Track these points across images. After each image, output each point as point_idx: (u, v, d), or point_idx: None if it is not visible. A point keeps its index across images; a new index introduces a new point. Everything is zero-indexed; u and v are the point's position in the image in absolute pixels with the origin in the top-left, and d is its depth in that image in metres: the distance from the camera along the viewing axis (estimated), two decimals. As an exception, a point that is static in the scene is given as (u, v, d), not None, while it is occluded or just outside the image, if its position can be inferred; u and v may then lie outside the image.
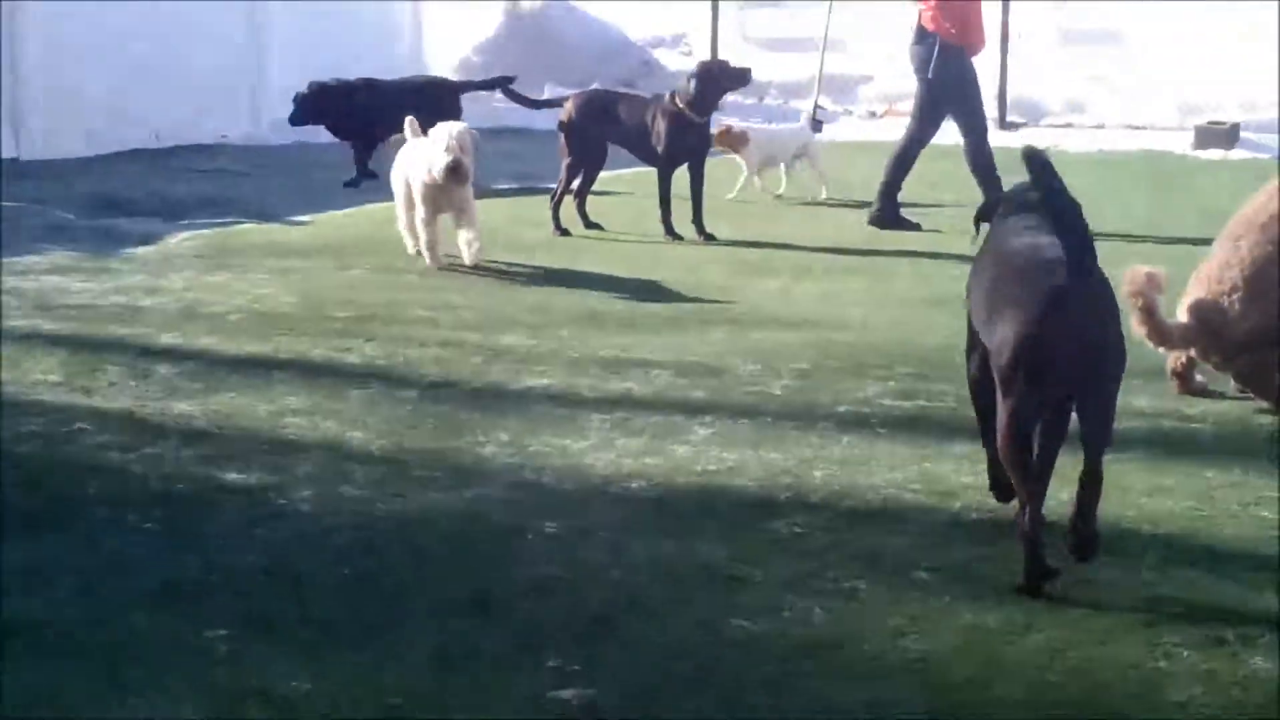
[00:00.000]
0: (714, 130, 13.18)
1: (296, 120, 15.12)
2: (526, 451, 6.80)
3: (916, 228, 13.03)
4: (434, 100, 14.65)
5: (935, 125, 13.43)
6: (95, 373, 7.92)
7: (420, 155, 10.91)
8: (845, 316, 9.42)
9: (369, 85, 15.25)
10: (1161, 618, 5.12)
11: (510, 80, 14.89)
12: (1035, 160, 5.67)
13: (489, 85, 15.46)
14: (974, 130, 13.26)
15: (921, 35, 13.18)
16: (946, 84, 13.05)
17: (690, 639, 4.93)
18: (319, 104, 15.01)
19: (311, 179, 15.31)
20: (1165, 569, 5.56)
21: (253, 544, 5.69)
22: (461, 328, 9.01)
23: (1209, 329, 7.66)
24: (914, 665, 4.78)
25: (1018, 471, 5.33)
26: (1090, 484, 5.37)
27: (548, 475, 6.49)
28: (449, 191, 10.75)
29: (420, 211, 10.94)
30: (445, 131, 10.76)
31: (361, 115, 14.99)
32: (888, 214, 13.24)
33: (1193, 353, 7.78)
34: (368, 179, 14.86)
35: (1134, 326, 7.33)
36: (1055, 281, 5.21)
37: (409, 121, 11.37)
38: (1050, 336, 5.14)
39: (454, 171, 10.67)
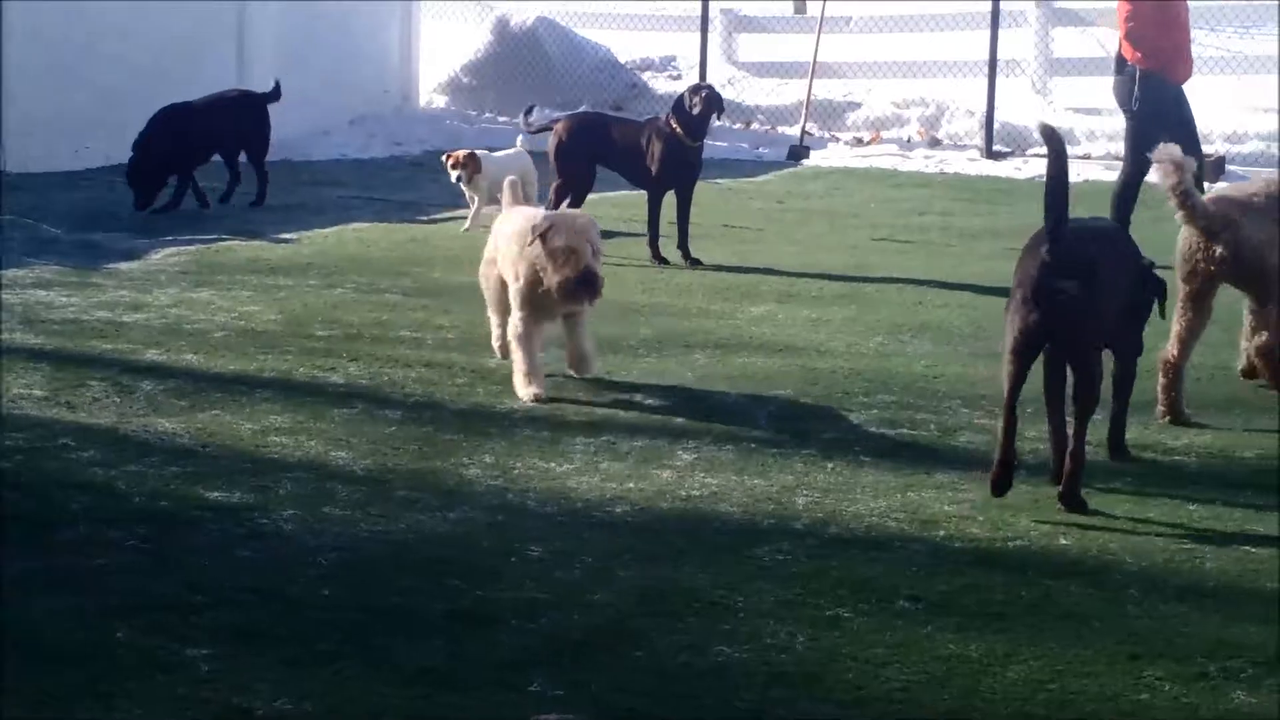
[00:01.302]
0: (446, 156, 13.75)
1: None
2: (510, 474, 6.80)
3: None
4: (246, 117, 14.41)
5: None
6: (79, 388, 7.90)
7: (516, 234, 8.24)
8: (831, 343, 9.43)
9: (171, 112, 14.09)
10: (1144, 651, 5.13)
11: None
12: (1050, 139, 6.78)
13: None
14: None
15: (1120, 65, 12.82)
16: (1150, 115, 12.34)
17: (672, 665, 4.93)
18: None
19: (296, 195, 15.30)
20: (1148, 602, 5.57)
21: (236, 563, 5.68)
22: (446, 348, 9.01)
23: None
24: (895, 695, 4.79)
25: (1006, 395, 6.58)
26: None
27: (531, 498, 6.49)
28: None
29: (516, 321, 8.19)
30: (563, 225, 7.98)
31: (172, 142, 13.88)
32: None
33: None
34: (201, 206, 14.17)
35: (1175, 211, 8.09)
36: (1041, 256, 6.52)
37: (509, 184, 9.18)
38: (1033, 296, 6.51)
39: (585, 288, 8.01)
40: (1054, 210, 6.59)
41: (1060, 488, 6.61)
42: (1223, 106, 19.71)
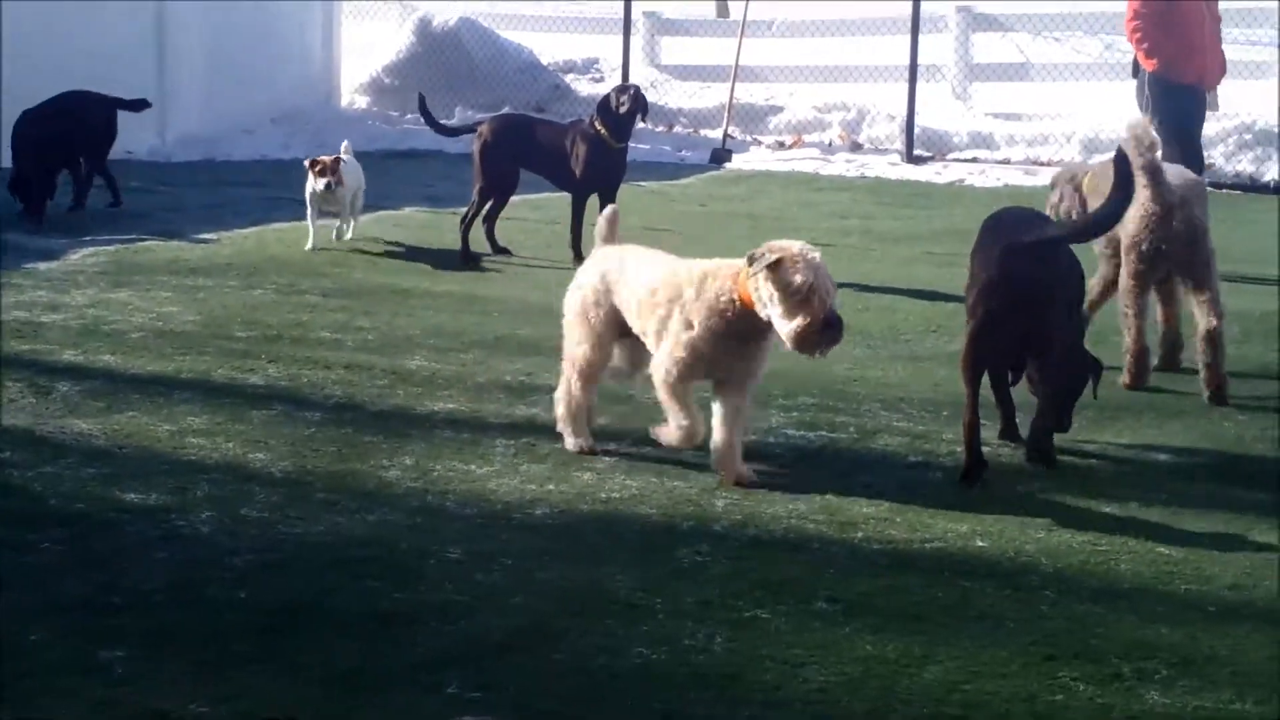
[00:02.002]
0: (311, 163, 12.33)
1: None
2: (430, 476, 6.78)
3: None
4: (89, 122, 13.89)
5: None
6: (-5, 389, 7.85)
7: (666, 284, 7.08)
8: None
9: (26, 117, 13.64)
10: (1059, 652, 5.17)
11: (146, 104, 14.49)
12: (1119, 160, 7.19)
13: (133, 105, 14.36)
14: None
15: (1135, 69, 12.86)
16: (1168, 118, 12.36)
17: (591, 666, 4.94)
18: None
19: (217, 195, 15.22)
20: (1063, 603, 5.61)
21: (153, 564, 5.65)
22: (365, 350, 8.98)
23: None
24: (813, 695, 4.81)
25: (968, 378, 7.10)
26: (1042, 410, 7.23)
27: (451, 500, 6.49)
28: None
29: (671, 368, 6.97)
30: (801, 259, 6.61)
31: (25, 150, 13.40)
32: None
33: None
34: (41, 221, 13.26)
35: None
36: (1008, 243, 6.99)
37: (605, 218, 7.80)
38: (1001, 281, 6.94)
39: (830, 334, 6.68)
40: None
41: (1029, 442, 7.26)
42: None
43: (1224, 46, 13.51)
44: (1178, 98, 12.65)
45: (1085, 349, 7.67)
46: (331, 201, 12.26)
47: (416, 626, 5.19)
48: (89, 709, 4.51)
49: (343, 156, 12.57)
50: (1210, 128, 19.91)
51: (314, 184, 12.12)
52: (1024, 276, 6.96)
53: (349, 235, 12.63)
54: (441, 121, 13.96)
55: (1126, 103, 20.43)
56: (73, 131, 13.65)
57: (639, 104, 12.15)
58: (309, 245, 12.23)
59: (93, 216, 13.52)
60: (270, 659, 4.89)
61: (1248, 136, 18.90)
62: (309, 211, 12.33)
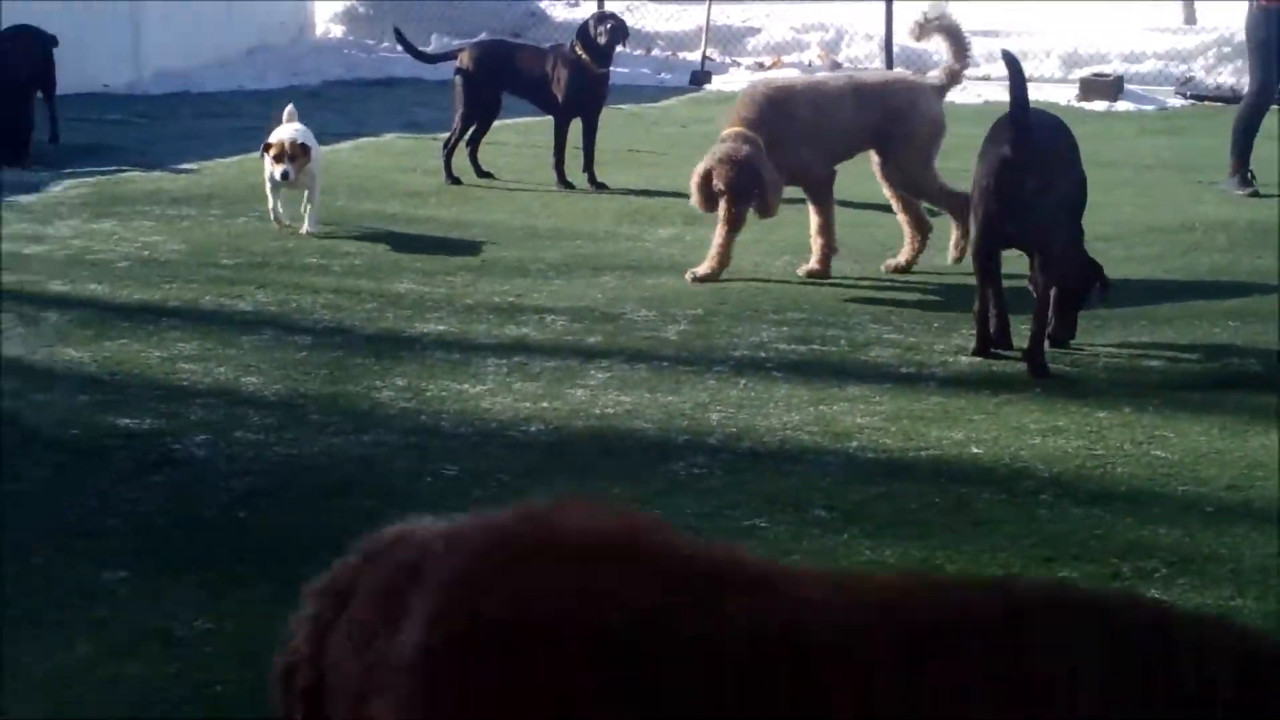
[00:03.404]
0: (267, 147, 10.18)
1: None
2: (423, 396, 6.77)
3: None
4: (41, 53, 13.52)
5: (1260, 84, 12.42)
6: (-18, 320, 7.82)
7: None
8: (738, 263, 9.42)
9: None
10: (1057, 554, 5.19)
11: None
12: (1009, 62, 7.50)
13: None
14: (1256, 91, 12.35)
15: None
16: (1257, 45, 12.25)
17: (592, 578, 4.94)
18: None
19: (195, 127, 15.14)
20: (1060, 506, 5.63)
21: (149, 488, 5.64)
22: (353, 275, 8.95)
23: None
24: (815, 601, 4.81)
25: (978, 273, 7.50)
26: (1038, 316, 7.30)
27: (445, 419, 6.48)
28: None
29: None
30: None
31: None
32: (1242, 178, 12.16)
33: None
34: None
35: None
36: (1003, 152, 7.22)
37: None
38: (996, 192, 7.22)
39: None
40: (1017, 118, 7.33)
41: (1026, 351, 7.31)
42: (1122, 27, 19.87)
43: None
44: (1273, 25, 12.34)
45: (1088, 256, 7.69)
46: (293, 188, 10.33)
47: (416, 543, 5.18)
48: (92, 629, 4.51)
49: (294, 132, 10.43)
50: (1189, 40, 19.94)
51: (272, 170, 10.13)
52: (1021, 180, 7.14)
53: (310, 226, 10.24)
54: (420, 49, 13.91)
55: (1103, 19, 20.39)
56: (35, 63, 13.49)
57: (618, 35, 12.20)
58: (275, 224, 10.27)
59: (70, 150, 13.43)
60: (269, 579, 4.88)
61: (1227, 49, 18.87)
62: (269, 192, 10.30)
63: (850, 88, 9.53)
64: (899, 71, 9.90)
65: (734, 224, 8.91)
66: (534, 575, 2.40)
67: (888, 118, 9.37)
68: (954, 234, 9.33)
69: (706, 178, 8.91)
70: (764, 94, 9.27)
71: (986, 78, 19.13)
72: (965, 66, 9.92)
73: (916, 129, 9.44)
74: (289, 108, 10.92)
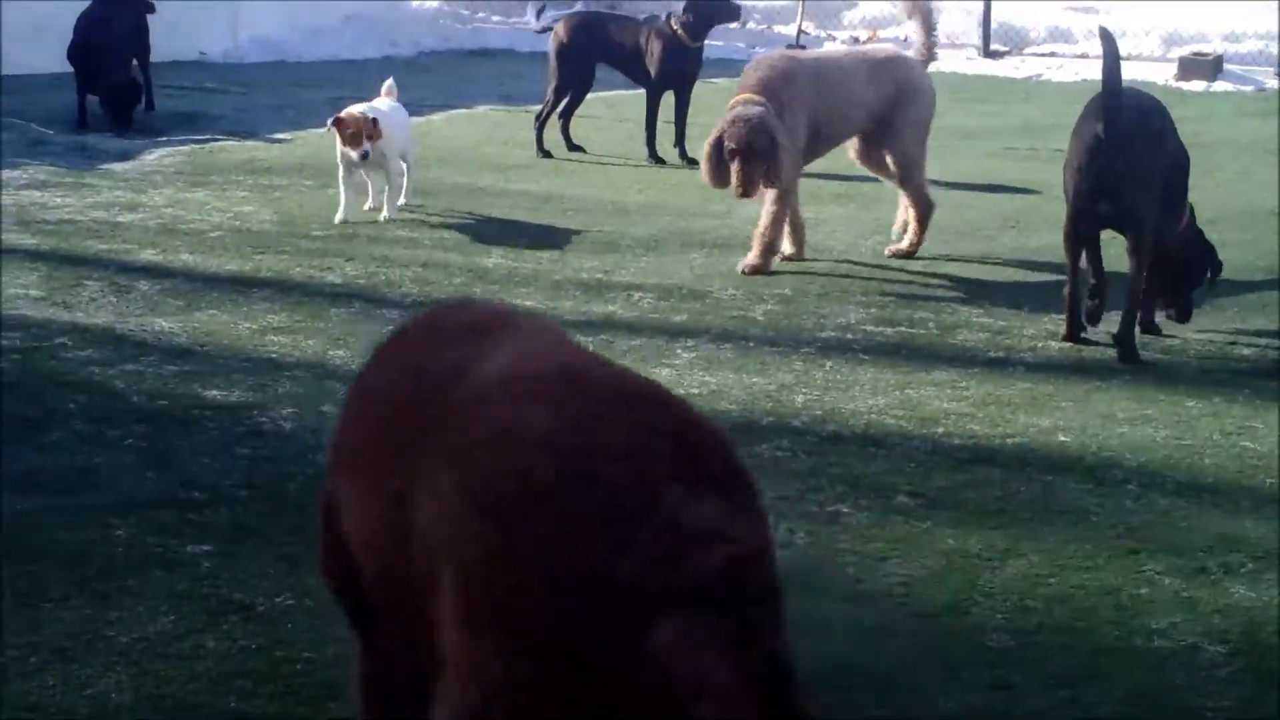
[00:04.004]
0: (337, 122, 9.57)
1: None
2: (509, 372, 6.76)
3: None
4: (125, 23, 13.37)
5: None
6: (75, 288, 7.88)
7: None
8: (829, 242, 9.40)
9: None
10: (1143, 545, 5.14)
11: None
12: (1104, 38, 7.46)
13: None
14: None
15: None
16: None
17: (672, 560, 4.93)
18: None
19: (290, 96, 15.20)
20: (1147, 497, 5.58)
21: (234, 461, 5.68)
22: (442, 248, 8.98)
23: None
24: (895, 589, 4.80)
25: (1069, 255, 7.40)
26: (1130, 299, 7.26)
27: (530, 396, 6.47)
28: None
29: None
30: None
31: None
32: None
33: None
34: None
35: None
36: (1095, 131, 7.18)
37: None
38: (1088, 171, 7.20)
39: None
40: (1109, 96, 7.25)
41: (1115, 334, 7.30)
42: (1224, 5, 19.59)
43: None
44: None
45: (1201, 238, 7.63)
46: (370, 169, 9.72)
47: (497, 521, 5.19)
48: (173, 601, 4.54)
49: (381, 105, 9.98)
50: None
51: (345, 150, 9.47)
52: (1112, 159, 7.10)
53: (389, 214, 9.66)
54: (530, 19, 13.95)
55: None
56: (131, 29, 13.54)
57: (721, 14, 12.31)
58: (339, 217, 9.50)
59: (165, 117, 13.52)
60: (353, 554, 4.90)
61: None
62: (340, 176, 9.65)
63: (863, 63, 9.35)
64: (897, 48, 9.82)
65: (747, 188, 8.49)
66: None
67: (899, 94, 9.21)
68: (908, 224, 9.23)
69: (717, 144, 8.56)
70: (771, 63, 8.97)
71: (1085, 55, 18.98)
72: (932, 50, 9.89)
73: (923, 107, 9.37)
74: (388, 81, 10.45)
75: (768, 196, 8.72)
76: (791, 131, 8.68)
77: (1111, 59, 7.31)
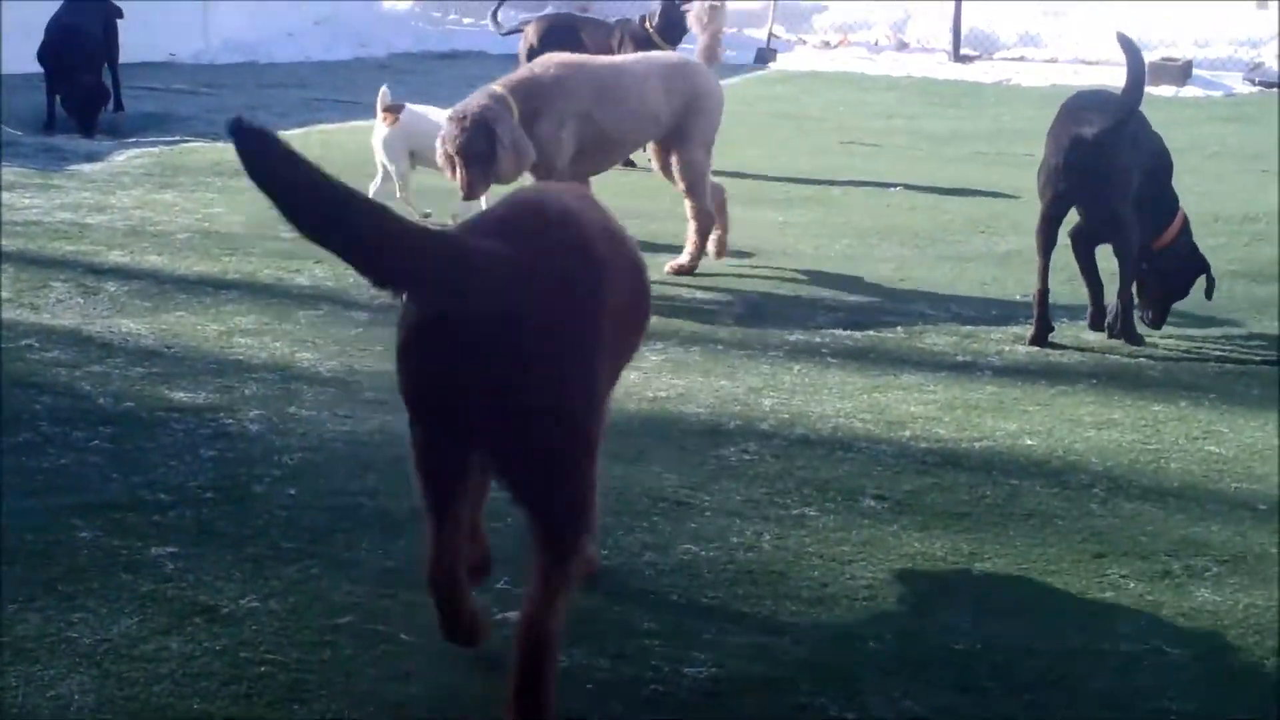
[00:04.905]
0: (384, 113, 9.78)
1: None
2: (476, 375, 6.76)
3: None
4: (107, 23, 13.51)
5: None
6: (42, 289, 7.85)
7: None
8: (798, 245, 9.41)
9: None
10: (1108, 549, 5.15)
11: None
12: (1123, 42, 7.46)
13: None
14: None
15: None
16: None
17: (637, 564, 4.94)
18: None
19: (262, 97, 15.19)
20: (1113, 501, 5.59)
21: (200, 462, 5.66)
22: (412, 250, 8.93)
23: None
24: (860, 592, 4.80)
25: (1039, 258, 7.47)
26: (1122, 294, 7.48)
27: (498, 399, 6.46)
28: None
29: None
30: None
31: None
32: None
33: None
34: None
35: None
36: (1073, 134, 7.26)
37: None
38: (1061, 167, 7.29)
39: None
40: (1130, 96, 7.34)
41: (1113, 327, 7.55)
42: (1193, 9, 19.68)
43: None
44: None
45: (1192, 247, 7.66)
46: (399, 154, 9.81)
47: (464, 524, 5.18)
48: (137, 603, 4.52)
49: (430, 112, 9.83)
50: (1261, 25, 19.74)
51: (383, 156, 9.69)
52: (1086, 163, 7.15)
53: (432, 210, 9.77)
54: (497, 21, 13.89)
55: (1181, 5, 20.20)
56: (106, 32, 13.52)
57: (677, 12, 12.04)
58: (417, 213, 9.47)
59: (135, 119, 13.49)
60: (318, 556, 4.90)
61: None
62: (406, 173, 9.84)
63: (655, 69, 8.74)
64: (685, 55, 9.26)
65: (471, 189, 8.09)
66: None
67: (692, 101, 8.73)
68: (694, 241, 8.79)
69: (440, 144, 8.20)
70: (533, 69, 8.44)
71: (1054, 60, 19.05)
72: (715, 53, 9.20)
73: (714, 116, 8.88)
74: (383, 90, 10.11)
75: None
76: (546, 138, 8.22)
77: (1136, 63, 7.32)
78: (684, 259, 8.77)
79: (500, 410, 3.73)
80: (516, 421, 3.74)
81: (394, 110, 9.57)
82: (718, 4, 9.09)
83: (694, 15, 9.23)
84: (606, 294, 3.91)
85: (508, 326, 3.68)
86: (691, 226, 8.79)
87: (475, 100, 8.10)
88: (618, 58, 9.66)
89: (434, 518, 4.08)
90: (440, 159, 8.24)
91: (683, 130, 8.70)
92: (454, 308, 3.71)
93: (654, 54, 9.41)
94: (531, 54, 12.17)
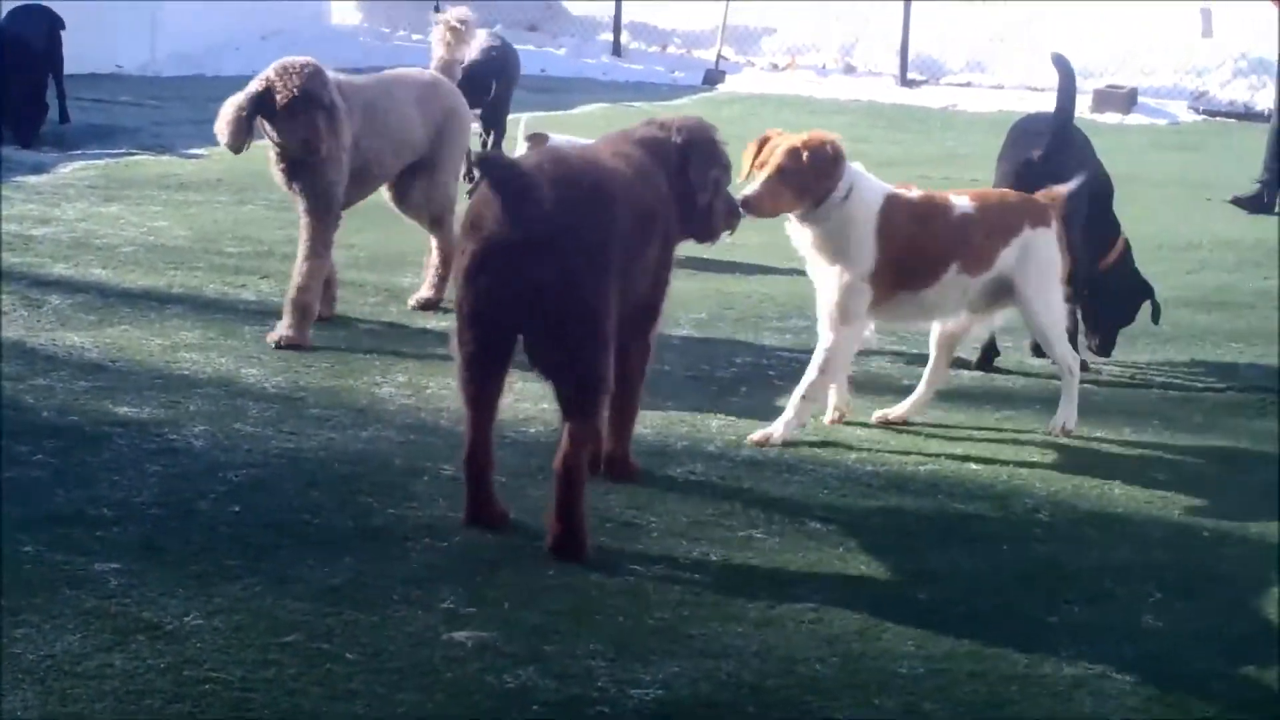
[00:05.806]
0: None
1: None
2: (423, 393, 6.77)
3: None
4: (52, 33, 13.32)
5: None
6: (-15, 301, 7.81)
7: None
8: (744, 268, 9.43)
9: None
10: (1052, 573, 5.17)
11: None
12: (1059, 63, 7.73)
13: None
14: None
15: None
16: None
17: (583, 583, 4.93)
18: None
19: (208, 110, 15.10)
20: (1057, 526, 5.62)
21: (145, 478, 5.62)
22: (357, 267, 8.94)
23: None
24: (807, 614, 4.80)
25: None
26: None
27: (444, 417, 6.46)
28: None
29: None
30: None
31: None
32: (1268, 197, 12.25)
33: None
34: None
35: None
36: (1023, 157, 7.40)
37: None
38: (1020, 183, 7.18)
39: None
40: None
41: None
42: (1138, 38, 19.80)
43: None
44: None
45: (1134, 273, 7.69)
46: None
47: (409, 543, 5.17)
48: (81, 619, 4.49)
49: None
50: (1205, 54, 19.89)
51: None
52: (1035, 186, 7.03)
53: None
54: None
55: (1118, 29, 20.32)
56: (50, 42, 13.41)
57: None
58: None
59: (80, 131, 13.42)
60: (262, 573, 4.87)
61: (1243, 64, 18.86)
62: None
63: (410, 88, 8.06)
64: (435, 72, 8.41)
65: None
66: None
67: (446, 123, 8.12)
68: (436, 271, 8.15)
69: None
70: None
71: (1001, 86, 19.15)
72: (453, 69, 8.53)
73: (465, 138, 8.44)
74: (524, 119, 9.75)
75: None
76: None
77: (1067, 80, 7.39)
78: (429, 293, 8.23)
79: (538, 310, 5.00)
80: (549, 318, 5.00)
81: (538, 140, 9.20)
82: (459, 26, 8.40)
83: (436, 34, 8.53)
84: (616, 226, 5.13)
85: (544, 250, 4.95)
86: (437, 258, 8.14)
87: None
88: (375, 76, 8.31)
89: (473, 411, 5.28)
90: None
91: (434, 155, 8.07)
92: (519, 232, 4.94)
93: (403, 71, 8.53)
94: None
